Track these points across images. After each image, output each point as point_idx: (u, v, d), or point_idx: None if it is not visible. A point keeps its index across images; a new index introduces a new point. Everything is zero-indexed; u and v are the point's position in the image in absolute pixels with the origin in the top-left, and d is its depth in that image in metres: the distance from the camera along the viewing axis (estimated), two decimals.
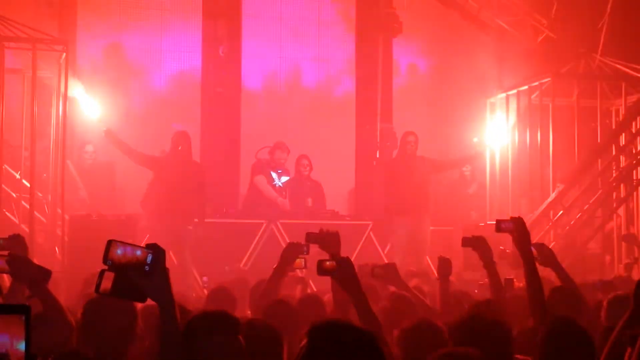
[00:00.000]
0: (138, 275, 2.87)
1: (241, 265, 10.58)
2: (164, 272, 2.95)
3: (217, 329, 3.23)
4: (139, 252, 2.89)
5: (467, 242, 5.94)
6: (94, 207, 10.85)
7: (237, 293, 6.55)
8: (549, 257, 5.86)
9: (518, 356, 4.09)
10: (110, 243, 2.87)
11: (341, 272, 4.31)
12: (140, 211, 10.99)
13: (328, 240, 5.11)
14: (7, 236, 5.67)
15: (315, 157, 11.94)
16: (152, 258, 2.88)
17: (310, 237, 5.23)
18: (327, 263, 4.41)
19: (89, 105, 11.28)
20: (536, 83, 12.38)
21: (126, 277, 2.87)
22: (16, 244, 5.54)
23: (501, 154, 12.60)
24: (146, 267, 2.86)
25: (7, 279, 5.15)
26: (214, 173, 11.69)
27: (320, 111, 14.00)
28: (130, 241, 8.46)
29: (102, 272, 2.91)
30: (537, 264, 5.26)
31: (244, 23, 13.65)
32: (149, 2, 13.61)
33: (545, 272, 5.98)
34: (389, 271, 6.24)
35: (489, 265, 5.95)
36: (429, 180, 11.58)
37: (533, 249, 5.37)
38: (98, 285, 2.93)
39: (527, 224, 5.29)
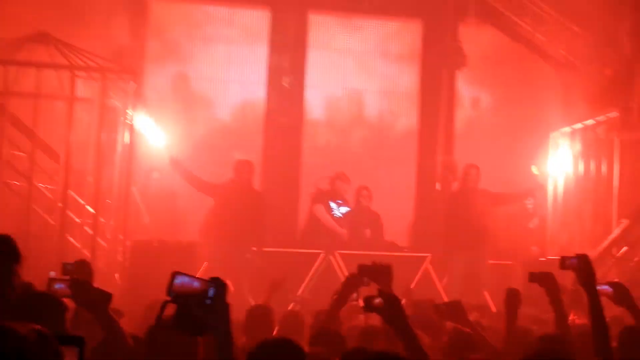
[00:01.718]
0: (199, 308, 2.87)
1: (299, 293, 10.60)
2: (226, 307, 2.93)
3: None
4: (201, 285, 2.89)
5: (535, 277, 5.79)
6: (155, 233, 11.02)
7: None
8: (625, 296, 5.71)
9: None
10: (174, 274, 2.88)
11: (388, 310, 4.26)
12: (199, 238, 11.10)
13: (380, 273, 5.09)
14: (73, 261, 5.80)
15: (375, 188, 11.93)
16: (214, 291, 2.87)
17: (363, 270, 5.21)
18: (375, 300, 4.32)
19: (155, 133, 11.49)
20: (603, 117, 12.18)
21: (187, 310, 2.86)
22: (82, 269, 5.66)
23: (564, 188, 12.40)
24: (208, 300, 2.86)
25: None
26: (273, 202, 11.77)
27: (382, 143, 13.99)
28: (189, 268, 8.55)
29: (164, 303, 2.89)
30: (613, 303, 5.16)
31: (309, 55, 13.83)
32: (216, 33, 13.83)
33: (615, 311, 5.84)
34: (454, 309, 6.13)
35: (556, 302, 5.82)
36: (489, 213, 11.46)
37: (609, 287, 5.27)
38: (159, 317, 2.94)
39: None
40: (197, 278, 2.89)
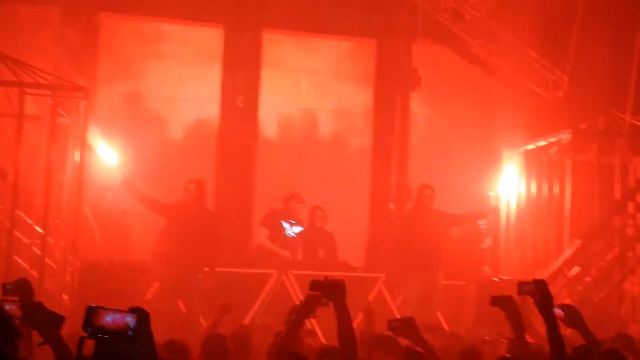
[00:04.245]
0: (121, 340, 2.76)
1: (250, 314, 10.50)
2: (149, 337, 2.83)
3: None
4: (123, 316, 2.78)
5: (496, 301, 5.80)
6: (107, 253, 10.85)
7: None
8: (576, 318, 5.76)
9: None
10: (90, 309, 2.77)
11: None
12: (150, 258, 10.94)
13: (333, 288, 5.08)
14: (13, 281, 5.64)
15: (329, 208, 11.89)
16: (135, 323, 2.78)
17: (315, 285, 5.19)
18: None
19: (107, 152, 11.34)
20: (555, 138, 12.31)
21: (109, 344, 2.75)
22: (22, 288, 5.50)
23: (517, 208, 12.49)
24: (130, 332, 2.76)
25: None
26: (227, 222, 11.67)
27: (336, 162, 13.97)
28: (140, 288, 8.39)
29: (81, 340, 2.80)
30: (563, 325, 5.19)
31: (263, 74, 13.79)
32: (169, 51, 13.72)
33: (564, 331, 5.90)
34: (406, 325, 6.10)
35: (517, 325, 5.84)
36: (443, 234, 11.48)
37: (560, 310, 5.29)
38: (79, 355, 2.84)
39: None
40: (117, 310, 2.78)
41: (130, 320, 2.75)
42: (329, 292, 5.10)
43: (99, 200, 11.76)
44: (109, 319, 2.74)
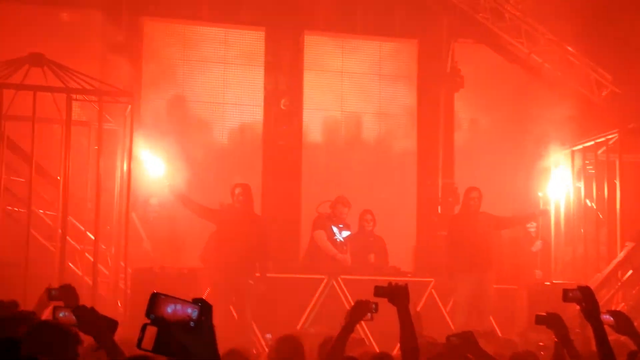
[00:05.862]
0: (183, 331, 2.73)
1: (301, 320, 10.49)
2: (211, 329, 2.79)
3: None
4: (185, 307, 2.75)
5: (542, 320, 5.71)
6: (157, 260, 10.88)
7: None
8: (626, 324, 5.67)
9: None
10: (154, 296, 2.73)
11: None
12: (201, 264, 10.94)
13: (397, 294, 5.08)
14: (57, 286, 5.66)
15: (375, 212, 11.83)
16: (198, 313, 2.74)
17: (379, 291, 5.19)
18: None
19: (152, 158, 11.34)
20: (602, 139, 12.19)
21: (170, 333, 2.71)
22: (67, 294, 5.53)
23: (566, 211, 12.37)
24: (192, 322, 2.72)
25: None
26: (275, 227, 11.66)
27: (381, 165, 13.91)
28: (192, 294, 8.38)
29: (144, 327, 2.74)
30: (614, 331, 5.12)
31: (306, 76, 13.76)
32: (212, 56, 13.72)
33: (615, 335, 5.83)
34: (466, 340, 6.01)
35: (566, 343, 5.76)
36: (493, 236, 11.37)
37: (609, 317, 5.21)
38: (140, 340, 2.84)
39: (595, 284, 5.15)
40: (180, 300, 2.75)
41: (192, 311, 2.73)
42: (392, 297, 5.09)
43: (145, 206, 11.77)
44: (170, 309, 2.70)
